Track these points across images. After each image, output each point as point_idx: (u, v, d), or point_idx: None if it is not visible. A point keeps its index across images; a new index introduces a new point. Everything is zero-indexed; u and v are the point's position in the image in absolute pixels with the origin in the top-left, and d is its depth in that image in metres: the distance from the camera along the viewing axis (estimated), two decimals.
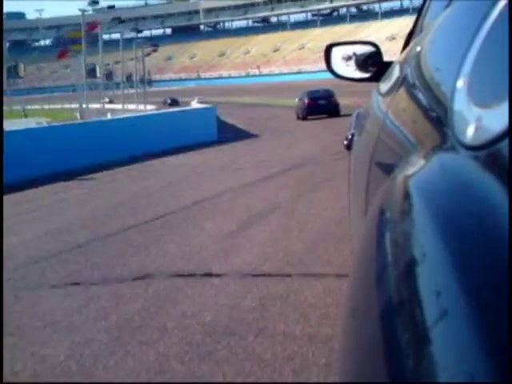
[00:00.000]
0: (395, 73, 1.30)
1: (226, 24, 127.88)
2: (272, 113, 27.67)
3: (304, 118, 21.23)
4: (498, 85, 0.49)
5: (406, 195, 0.51)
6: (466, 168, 0.47)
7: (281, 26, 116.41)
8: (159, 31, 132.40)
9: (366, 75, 1.99)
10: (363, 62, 2.01)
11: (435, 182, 0.48)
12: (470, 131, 0.48)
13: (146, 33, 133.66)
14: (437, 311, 0.33)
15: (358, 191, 1.30)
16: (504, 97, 0.44)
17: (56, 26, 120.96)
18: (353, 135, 2.16)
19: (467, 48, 0.60)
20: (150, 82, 63.21)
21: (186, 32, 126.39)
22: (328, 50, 2.15)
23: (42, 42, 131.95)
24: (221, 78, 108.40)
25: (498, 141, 0.41)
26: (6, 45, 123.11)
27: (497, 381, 0.26)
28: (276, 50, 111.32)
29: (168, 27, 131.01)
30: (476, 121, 0.48)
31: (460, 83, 0.57)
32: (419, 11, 1.61)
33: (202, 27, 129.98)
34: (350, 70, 2.10)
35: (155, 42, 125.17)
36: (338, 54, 2.13)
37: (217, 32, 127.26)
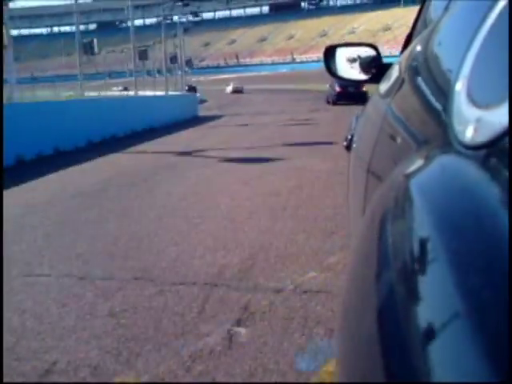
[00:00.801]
0: (395, 74, 1.35)
1: (331, 1, 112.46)
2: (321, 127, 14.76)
3: (334, 104, 23.94)
4: (497, 85, 0.50)
5: (406, 195, 0.52)
6: (466, 168, 0.48)
7: (393, 2, 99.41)
8: (255, 10, 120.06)
9: (369, 75, 2.09)
10: (368, 65, 2.09)
11: (435, 182, 0.49)
12: (470, 131, 0.49)
13: (239, 12, 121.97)
14: (435, 310, 0.34)
15: (357, 191, 1.35)
16: (504, 97, 0.45)
17: (145, 6, 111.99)
18: (352, 136, 2.19)
19: (467, 48, 0.62)
20: (190, 66, 56.38)
21: (286, 10, 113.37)
22: (327, 52, 2.26)
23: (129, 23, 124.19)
24: (319, 61, 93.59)
25: (497, 141, 0.43)
26: (89, 27, 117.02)
27: (497, 381, 0.27)
28: (387, 29, 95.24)
29: (265, 5, 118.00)
30: (476, 121, 0.49)
31: (460, 84, 0.59)
32: (418, 12, 1.69)
33: (303, 5, 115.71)
34: (355, 72, 2.18)
35: (248, 21, 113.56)
36: (342, 55, 2.22)
37: (320, 10, 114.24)
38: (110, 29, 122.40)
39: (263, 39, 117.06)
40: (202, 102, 31.69)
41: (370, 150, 1.20)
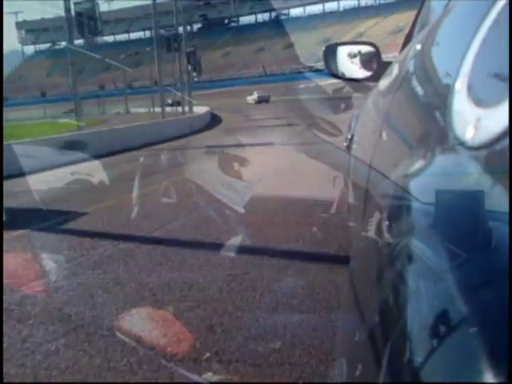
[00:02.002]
0: (394, 72, 1.39)
1: None
2: None
3: None
4: (497, 85, 0.51)
5: (406, 195, 0.52)
6: (466, 168, 0.48)
7: None
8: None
9: (369, 74, 2.21)
10: (369, 61, 2.22)
11: (435, 182, 0.50)
12: (470, 131, 0.50)
13: (350, 3, 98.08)
14: (435, 310, 0.35)
15: (358, 191, 1.41)
16: (504, 97, 0.46)
17: None
18: (352, 136, 2.35)
19: (467, 48, 0.62)
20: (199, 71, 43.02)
21: None
22: (327, 51, 2.38)
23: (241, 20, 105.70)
24: None
25: (497, 141, 0.44)
26: (187, 28, 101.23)
27: (497, 381, 0.27)
28: None
29: None
30: (476, 121, 0.50)
31: (459, 83, 0.60)
32: (418, 10, 1.75)
33: None
34: (355, 69, 2.28)
35: (380, 10, 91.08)
36: (342, 53, 2.32)
37: None
38: (215, 28, 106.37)
39: (398, 30, 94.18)
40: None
41: (371, 150, 1.22)
